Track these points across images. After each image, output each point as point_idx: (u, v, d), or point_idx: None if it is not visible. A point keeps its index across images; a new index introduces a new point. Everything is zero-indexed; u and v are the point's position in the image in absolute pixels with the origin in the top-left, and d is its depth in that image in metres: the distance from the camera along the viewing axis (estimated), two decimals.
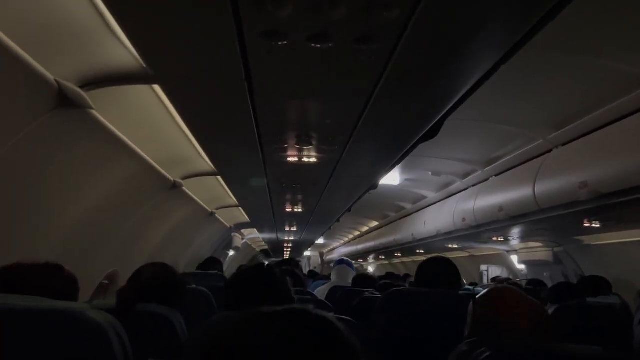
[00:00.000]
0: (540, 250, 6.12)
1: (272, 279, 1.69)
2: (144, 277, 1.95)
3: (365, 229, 12.51)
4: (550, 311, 2.73)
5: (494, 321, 1.46)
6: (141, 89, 2.36)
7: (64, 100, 1.86)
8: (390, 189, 6.78)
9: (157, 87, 2.32)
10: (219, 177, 4.20)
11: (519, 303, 1.47)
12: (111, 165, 2.69)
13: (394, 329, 2.16)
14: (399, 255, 10.89)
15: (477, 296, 1.58)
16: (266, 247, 13.46)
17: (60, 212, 2.53)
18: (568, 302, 2.88)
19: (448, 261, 2.38)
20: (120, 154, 2.63)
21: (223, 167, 3.47)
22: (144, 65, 1.76)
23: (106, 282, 3.81)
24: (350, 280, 4.10)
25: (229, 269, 9.15)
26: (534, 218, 4.15)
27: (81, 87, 1.90)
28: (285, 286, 1.71)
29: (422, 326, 2.12)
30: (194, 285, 2.91)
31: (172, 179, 3.55)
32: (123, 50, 1.80)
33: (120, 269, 3.78)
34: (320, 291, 4.18)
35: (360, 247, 12.72)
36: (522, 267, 7.04)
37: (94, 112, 2.06)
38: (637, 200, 3.01)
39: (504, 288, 1.64)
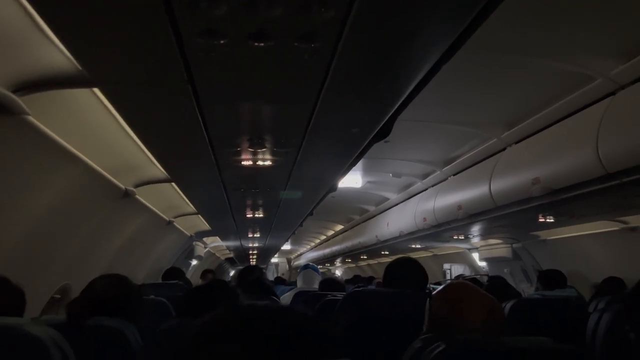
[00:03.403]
0: (499, 247, 6.26)
1: (225, 290, 1.71)
2: (97, 290, 1.89)
3: (330, 232, 12.53)
4: (507, 307, 2.78)
5: (449, 317, 1.47)
6: (84, 93, 2.27)
7: None
8: (352, 191, 6.81)
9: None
10: (174, 184, 4.10)
11: (473, 298, 1.49)
12: (54, 175, 2.58)
13: (355, 328, 2.17)
14: (365, 257, 10.95)
15: (433, 293, 1.59)
16: (231, 255, 13.30)
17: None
18: (525, 297, 2.94)
19: (414, 262, 2.42)
20: (63, 163, 2.52)
21: (176, 173, 3.39)
22: (81, 69, 1.69)
23: (58, 296, 3.66)
24: (316, 285, 4.08)
25: (191, 280, 8.97)
26: (491, 215, 4.24)
27: (14, 91, 1.80)
28: (237, 296, 1.73)
29: (384, 325, 2.13)
30: (152, 296, 2.83)
31: (123, 187, 3.44)
32: (57, 53, 1.72)
33: (73, 283, 3.64)
34: (285, 297, 4.15)
35: (327, 251, 12.73)
36: (483, 264, 7.18)
37: (30, 118, 1.96)
38: (586, 195, 3.10)
39: (458, 283, 1.65)
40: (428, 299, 1.58)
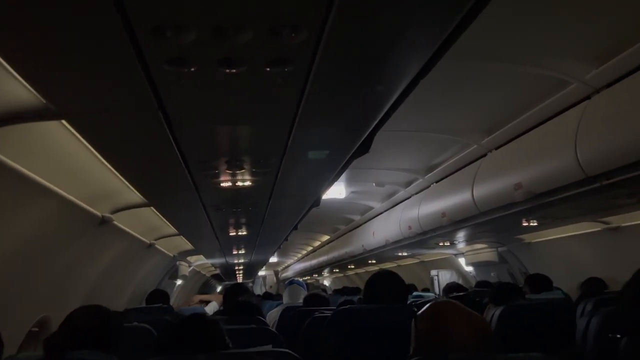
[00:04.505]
0: (485, 252, 6.27)
1: (205, 327, 1.64)
2: (76, 322, 1.83)
3: (317, 243, 12.48)
4: (497, 313, 2.76)
5: (435, 337, 1.44)
6: (53, 124, 2.19)
7: None
8: (337, 202, 6.79)
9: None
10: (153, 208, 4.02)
11: (458, 316, 1.45)
12: (26, 208, 2.49)
13: (343, 345, 2.14)
14: (352, 267, 10.90)
15: (418, 312, 1.56)
16: (217, 272, 13.14)
17: None
18: (513, 303, 2.93)
19: (393, 275, 2.43)
20: (34, 195, 2.43)
21: (154, 198, 3.31)
22: (45, 102, 1.62)
23: (36, 329, 3.54)
24: (302, 300, 4.06)
25: (177, 299, 8.82)
26: (475, 221, 4.23)
27: None
28: (220, 332, 1.68)
29: (372, 341, 2.11)
30: (135, 323, 2.75)
31: (100, 214, 3.35)
32: (20, 87, 1.65)
33: (52, 315, 3.52)
34: (272, 315, 4.12)
35: (314, 262, 12.66)
36: (470, 269, 7.18)
37: None
38: (568, 198, 3.11)
39: (443, 302, 1.62)
40: (413, 319, 1.55)
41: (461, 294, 4.16)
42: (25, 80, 1.47)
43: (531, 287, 3.72)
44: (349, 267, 10.86)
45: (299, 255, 15.98)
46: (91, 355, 1.71)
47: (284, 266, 20.39)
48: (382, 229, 6.52)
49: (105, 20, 1.16)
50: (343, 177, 4.91)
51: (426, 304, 1.57)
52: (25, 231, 2.64)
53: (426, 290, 7.16)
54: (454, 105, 3.44)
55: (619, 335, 1.55)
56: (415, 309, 1.84)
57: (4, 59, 1.36)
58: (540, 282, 3.77)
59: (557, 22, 2.36)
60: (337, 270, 12.68)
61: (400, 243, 6.10)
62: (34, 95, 1.66)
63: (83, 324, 1.81)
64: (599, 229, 4.43)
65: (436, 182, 5.02)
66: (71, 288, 3.87)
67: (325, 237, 11.25)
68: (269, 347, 1.75)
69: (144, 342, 2.50)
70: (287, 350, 1.74)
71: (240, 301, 3.14)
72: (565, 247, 5.06)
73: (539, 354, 1.42)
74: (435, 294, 6.76)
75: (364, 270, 11.59)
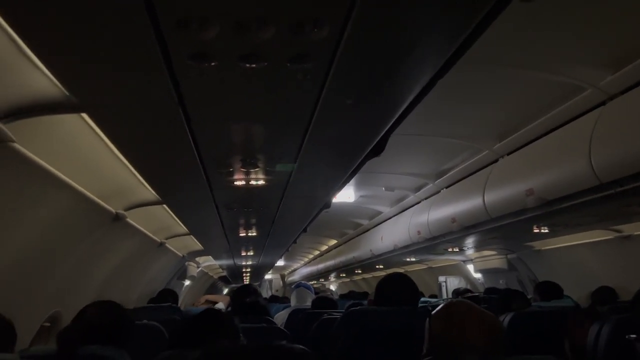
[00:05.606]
0: (494, 258, 6.23)
1: (219, 320, 1.66)
2: (88, 317, 1.85)
3: (324, 247, 12.45)
4: (507, 320, 2.75)
5: (449, 337, 1.44)
6: (72, 117, 2.23)
7: None
8: (346, 206, 6.78)
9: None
10: (166, 206, 4.05)
11: (473, 317, 1.46)
12: (42, 201, 2.52)
13: (353, 347, 2.15)
14: (360, 272, 10.88)
15: (432, 312, 1.56)
16: (224, 274, 13.16)
17: None
18: (521, 309, 2.92)
19: (405, 277, 2.43)
20: (51, 189, 2.47)
21: (167, 195, 3.34)
22: (67, 94, 1.65)
23: (48, 324, 3.57)
24: (309, 303, 4.07)
25: (185, 300, 8.84)
26: (486, 227, 4.22)
27: None
28: (235, 327, 1.70)
29: (382, 343, 2.11)
30: (145, 321, 2.77)
31: (113, 210, 3.39)
32: (44, 78, 1.68)
33: (63, 310, 3.56)
34: (280, 316, 4.13)
35: (321, 266, 12.64)
36: (478, 275, 7.14)
37: (16, 145, 1.92)
38: (581, 205, 3.09)
39: (457, 302, 1.62)
40: (427, 319, 1.55)
41: (474, 294, 4.16)
42: (50, 71, 1.50)
43: (541, 295, 3.70)
44: (356, 272, 10.83)
45: (306, 259, 15.96)
46: (103, 350, 1.73)
47: (290, 270, 20.37)
48: (391, 234, 6.50)
49: (131, 11, 1.18)
50: (353, 180, 4.92)
51: (441, 305, 1.57)
52: (40, 224, 2.68)
53: (434, 296, 7.13)
54: (466, 110, 3.44)
55: (634, 336, 1.55)
56: (431, 308, 1.84)
57: (33, 51, 1.39)
58: (550, 289, 3.74)
59: (571, 28, 2.36)
60: (344, 275, 12.65)
61: (408, 248, 6.08)
62: (56, 87, 1.69)
63: (96, 320, 1.83)
64: (610, 237, 4.39)
65: (446, 187, 5.01)
66: (82, 284, 3.90)
67: (333, 242, 11.24)
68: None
69: (153, 340, 2.52)
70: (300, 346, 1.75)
71: (249, 302, 3.16)
72: (576, 255, 5.02)
73: (551, 357, 1.42)
74: (443, 300, 6.72)
75: (371, 276, 11.56)
